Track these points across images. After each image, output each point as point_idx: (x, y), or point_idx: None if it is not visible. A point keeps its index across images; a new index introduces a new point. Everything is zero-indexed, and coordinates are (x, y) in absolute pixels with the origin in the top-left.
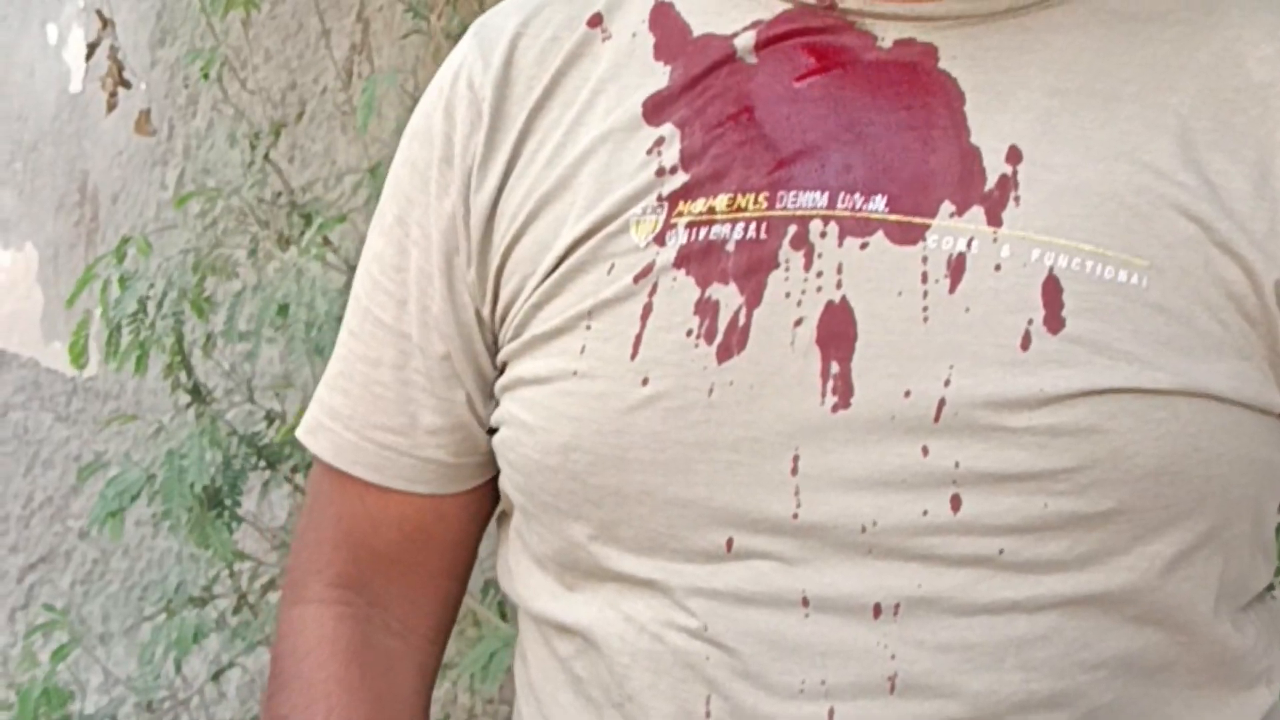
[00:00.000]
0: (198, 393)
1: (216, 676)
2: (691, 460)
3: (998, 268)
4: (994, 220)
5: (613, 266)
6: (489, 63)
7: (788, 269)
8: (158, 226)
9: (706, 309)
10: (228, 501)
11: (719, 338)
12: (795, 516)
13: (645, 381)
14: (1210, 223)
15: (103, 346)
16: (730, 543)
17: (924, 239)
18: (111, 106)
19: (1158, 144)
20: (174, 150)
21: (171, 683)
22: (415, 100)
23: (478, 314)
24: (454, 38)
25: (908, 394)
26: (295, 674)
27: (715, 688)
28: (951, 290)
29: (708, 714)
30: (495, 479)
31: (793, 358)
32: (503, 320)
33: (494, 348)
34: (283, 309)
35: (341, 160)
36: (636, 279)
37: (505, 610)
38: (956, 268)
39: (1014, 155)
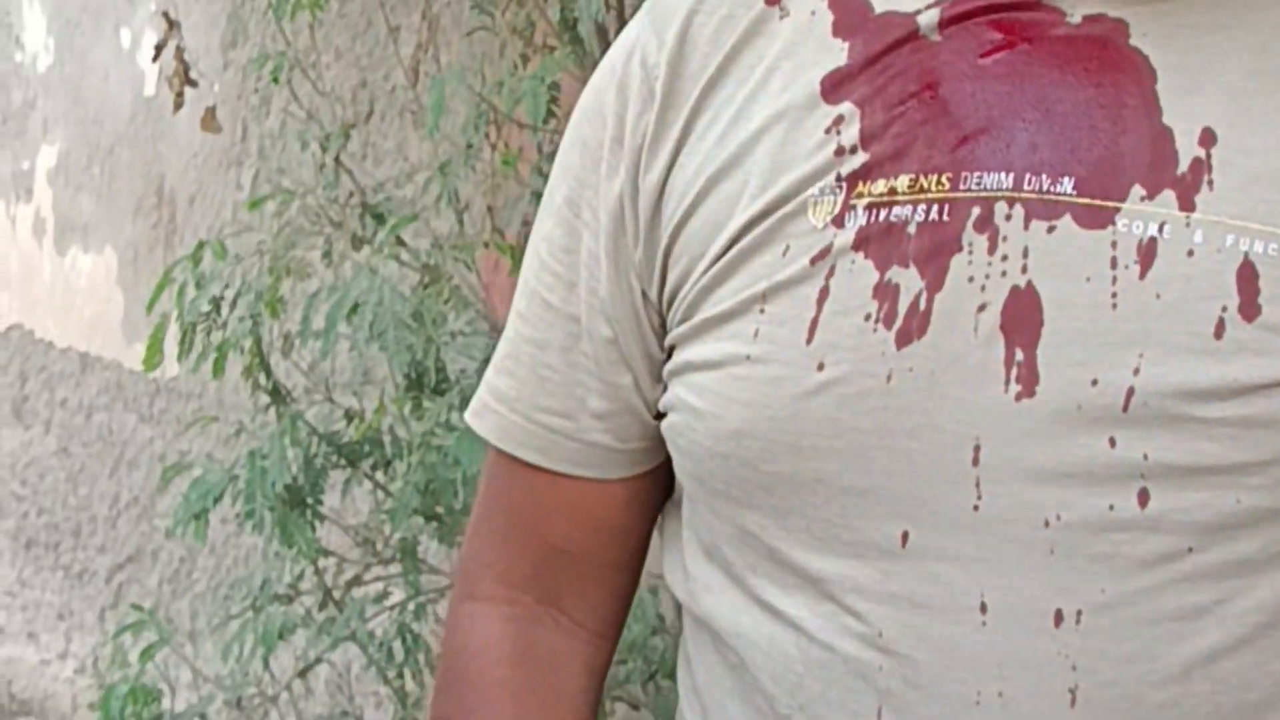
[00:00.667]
0: (277, 393)
1: (304, 673)
2: (867, 448)
3: (1190, 253)
4: (1186, 205)
5: (788, 248)
6: (663, 40)
7: (971, 252)
8: (234, 228)
9: (886, 293)
10: (310, 500)
11: (898, 322)
12: (976, 509)
13: (821, 366)
14: None
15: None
16: (905, 536)
17: (1113, 223)
18: (178, 105)
19: None
20: (248, 151)
21: (259, 679)
22: (483, 97)
23: (645, 296)
24: (519, 32)
25: (1095, 383)
26: (460, 675)
27: (887, 699)
28: (1142, 276)
29: None
30: (664, 466)
31: (975, 344)
32: (670, 302)
33: (661, 331)
34: (355, 308)
35: (413, 158)
36: (813, 261)
37: None
38: (1147, 253)
39: (1207, 138)
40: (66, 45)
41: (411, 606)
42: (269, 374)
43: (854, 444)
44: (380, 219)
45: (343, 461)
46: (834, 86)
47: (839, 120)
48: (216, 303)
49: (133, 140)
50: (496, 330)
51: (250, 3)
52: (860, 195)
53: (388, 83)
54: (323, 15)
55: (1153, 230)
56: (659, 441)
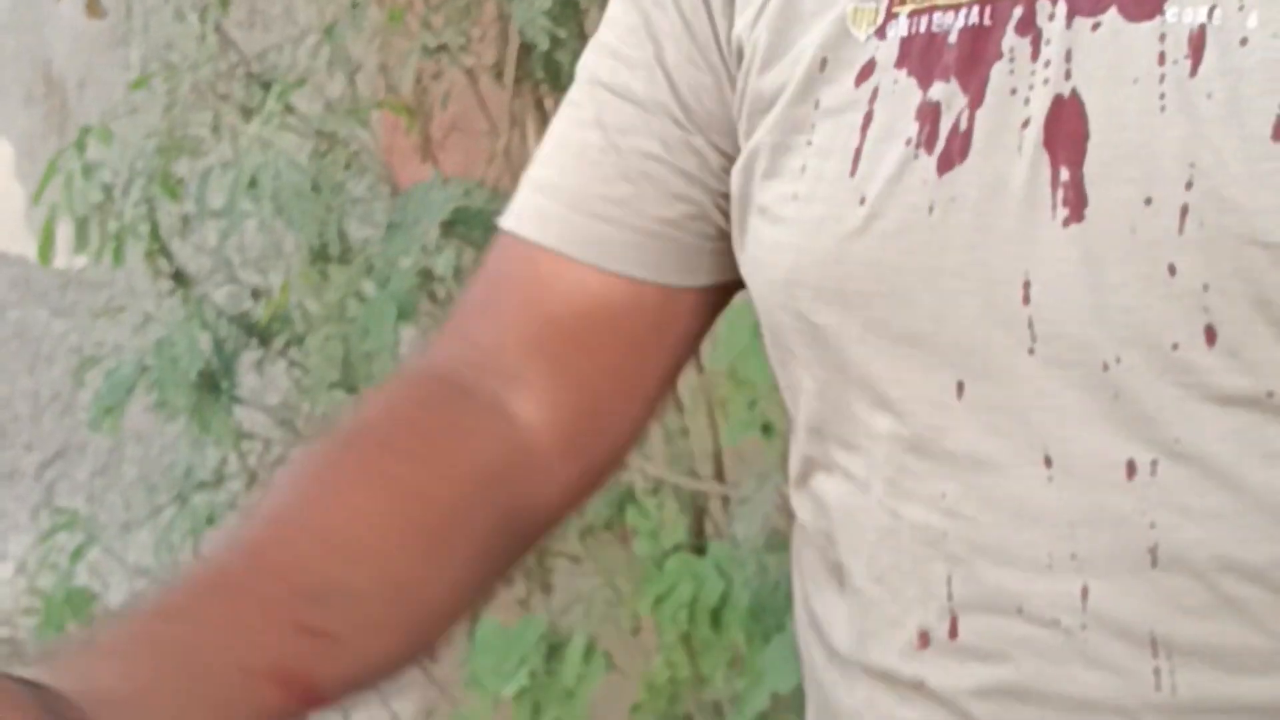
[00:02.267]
0: (180, 277)
1: None
2: (913, 291)
3: (1244, 41)
4: None
5: (826, 62)
6: None
7: (1012, 59)
8: (127, 110)
9: (927, 113)
10: (224, 384)
11: (939, 145)
12: (1031, 352)
13: (863, 200)
14: None
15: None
16: (960, 387)
17: (1162, 12)
18: None
19: None
20: (133, 29)
21: None
22: None
23: (719, 88)
24: None
25: (1149, 201)
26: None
27: (956, 566)
28: (1192, 73)
29: (950, 595)
30: (708, 297)
31: (1020, 165)
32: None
33: (733, 128)
34: (253, 182)
35: (301, 21)
36: (857, 81)
37: None
38: (1196, 43)
39: None
40: None
41: None
42: (170, 258)
43: (899, 287)
44: (267, 87)
45: (254, 341)
46: None
47: None
48: (108, 189)
49: (15, 28)
50: (398, 194)
51: None
52: (904, 1)
53: None
54: None
55: (1201, 16)
56: (718, 259)
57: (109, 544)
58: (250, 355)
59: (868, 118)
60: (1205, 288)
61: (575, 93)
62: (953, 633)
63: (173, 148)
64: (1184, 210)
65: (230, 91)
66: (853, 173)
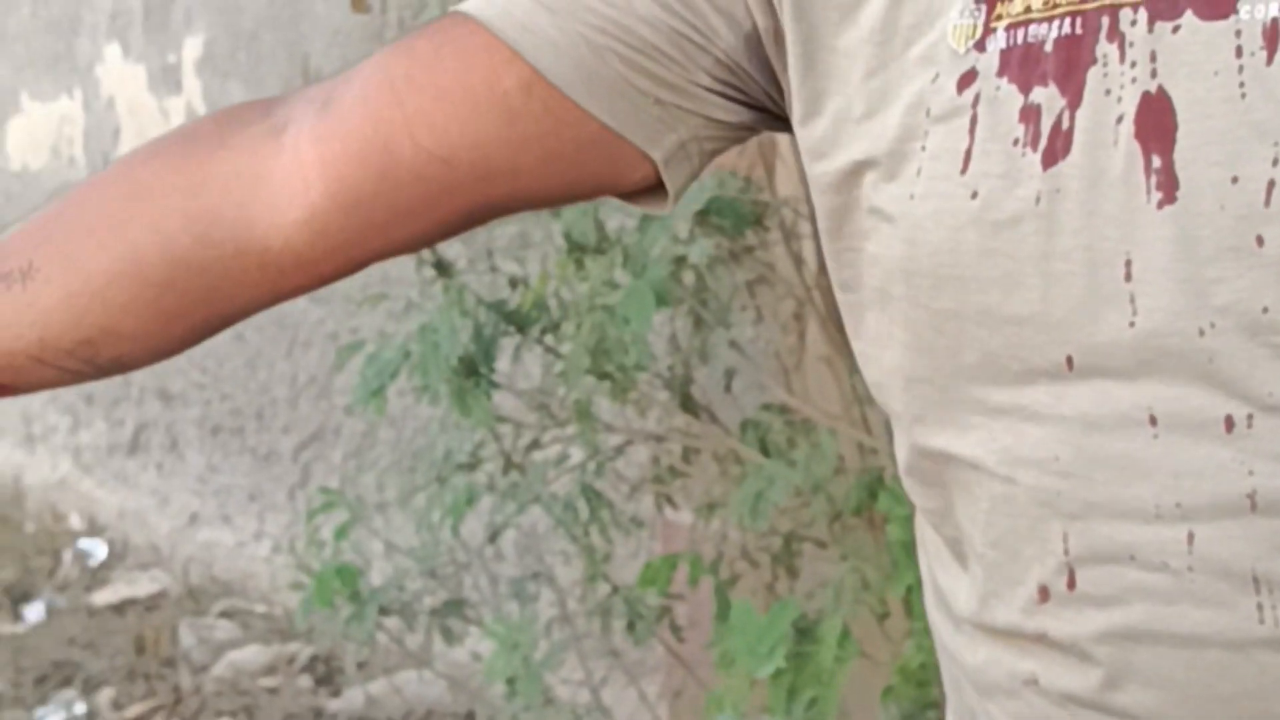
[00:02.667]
0: (442, 266)
1: (493, 538)
2: (1024, 274)
3: None
4: None
5: (937, 76)
6: None
7: (1105, 64)
8: None
9: (1030, 115)
10: (483, 369)
11: (1043, 143)
12: (1132, 325)
13: (975, 195)
14: None
15: None
16: (1070, 360)
17: (1236, 11)
18: None
19: None
20: (389, 24)
21: (450, 548)
22: None
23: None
24: None
25: (1235, 180)
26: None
27: (1070, 523)
28: (1269, 61)
29: (1066, 551)
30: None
31: (1116, 157)
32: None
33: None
34: None
35: None
36: (960, 89)
37: (768, 447)
38: (1271, 35)
39: None
40: None
41: (591, 465)
42: (433, 249)
43: (1011, 271)
44: None
45: (511, 329)
46: None
47: None
48: None
49: (274, 23)
50: None
51: None
52: (1000, 17)
53: None
54: None
55: (1275, 10)
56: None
57: (367, 520)
58: (508, 342)
59: (973, 120)
60: None
61: None
62: (1070, 584)
63: None
64: (1270, 185)
65: None
66: (964, 170)
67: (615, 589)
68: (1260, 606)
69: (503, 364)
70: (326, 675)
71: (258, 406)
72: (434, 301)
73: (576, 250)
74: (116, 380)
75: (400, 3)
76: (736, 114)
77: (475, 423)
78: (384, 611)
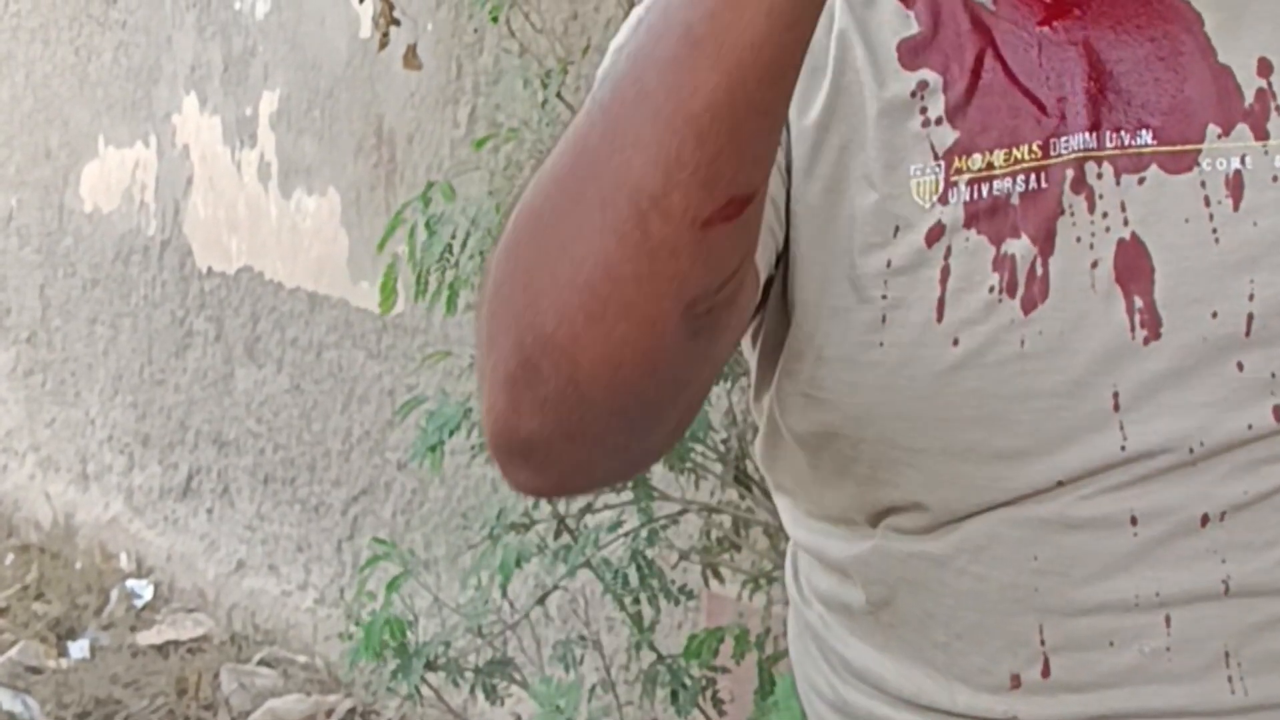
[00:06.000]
0: None
1: (542, 600)
2: (1013, 412)
3: (1276, 178)
4: (1260, 134)
5: (898, 229)
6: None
7: (1073, 214)
8: (454, 164)
9: (1004, 264)
10: None
11: (1021, 290)
12: (1123, 449)
13: (956, 342)
14: None
15: (409, 287)
16: (1060, 482)
17: (1198, 164)
18: (384, 44)
19: None
20: (463, 89)
21: (498, 607)
22: None
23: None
24: None
25: (1215, 315)
26: None
27: (1047, 615)
28: (1236, 208)
29: (1042, 642)
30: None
31: (1096, 299)
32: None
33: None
34: None
35: None
36: (929, 242)
37: None
38: (1235, 185)
39: (1264, 67)
40: None
41: (644, 533)
42: None
43: (999, 411)
44: None
45: None
46: (911, 53)
47: (922, 86)
48: (449, 244)
49: (350, 82)
50: None
51: None
52: (959, 171)
53: (599, 15)
54: None
55: (1235, 164)
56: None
57: (416, 575)
58: None
59: (944, 272)
60: (1273, 375)
61: None
62: (1045, 673)
63: (509, 205)
64: (1250, 318)
65: None
66: (939, 319)
67: (660, 657)
68: (1230, 679)
69: None
70: None
71: (311, 458)
72: None
73: None
74: (172, 424)
75: (476, 68)
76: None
77: None
78: (429, 667)
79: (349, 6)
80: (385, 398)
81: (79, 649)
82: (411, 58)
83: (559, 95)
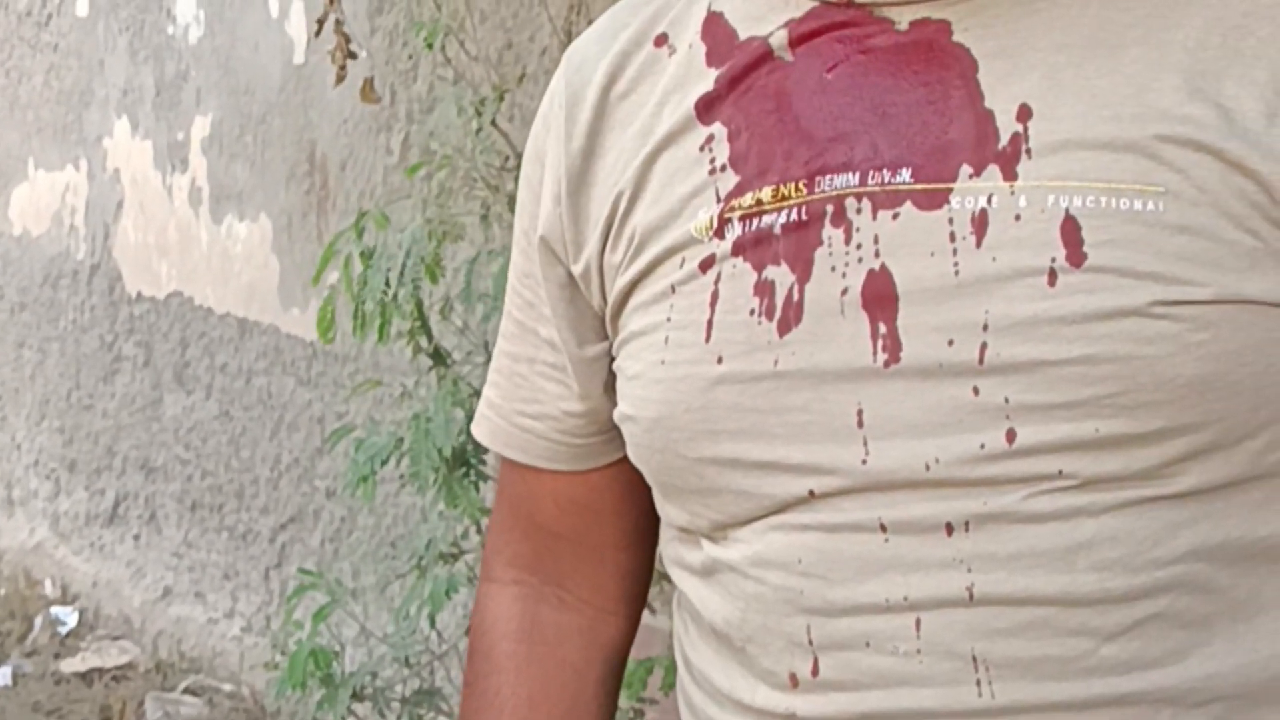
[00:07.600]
0: (439, 356)
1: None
2: (768, 425)
3: (1018, 217)
4: (1009, 175)
5: (684, 261)
6: (570, 83)
7: (830, 245)
8: (386, 192)
9: (764, 289)
10: (473, 460)
11: (778, 313)
12: (864, 462)
13: (720, 360)
14: (1219, 147)
15: (344, 318)
16: (812, 492)
17: (948, 202)
18: (340, 79)
19: (1162, 82)
20: (397, 116)
21: (427, 638)
22: None
23: (591, 308)
24: None
25: (951, 343)
26: (477, 647)
27: (813, 616)
28: (978, 244)
29: (810, 641)
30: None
31: (844, 323)
32: (608, 312)
33: (608, 336)
34: None
35: None
36: (703, 269)
37: None
38: (980, 223)
39: (1024, 113)
40: (216, 16)
41: None
42: (430, 337)
43: (756, 424)
44: None
45: None
46: (705, 108)
47: (710, 139)
48: (385, 272)
49: (283, 108)
50: None
51: None
52: (734, 209)
53: (533, 44)
54: None
55: (982, 203)
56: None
57: (343, 605)
58: None
59: (714, 296)
60: (1006, 400)
61: (503, 322)
62: (815, 671)
63: (441, 233)
64: (983, 347)
65: (501, 182)
66: (707, 339)
67: None
68: (979, 682)
69: (493, 456)
70: None
71: (239, 485)
72: (428, 390)
73: None
74: (100, 449)
75: (410, 95)
76: None
77: (463, 513)
78: (356, 697)
79: (283, 32)
80: (315, 425)
81: (2, 676)
82: (369, 91)
83: (493, 123)
